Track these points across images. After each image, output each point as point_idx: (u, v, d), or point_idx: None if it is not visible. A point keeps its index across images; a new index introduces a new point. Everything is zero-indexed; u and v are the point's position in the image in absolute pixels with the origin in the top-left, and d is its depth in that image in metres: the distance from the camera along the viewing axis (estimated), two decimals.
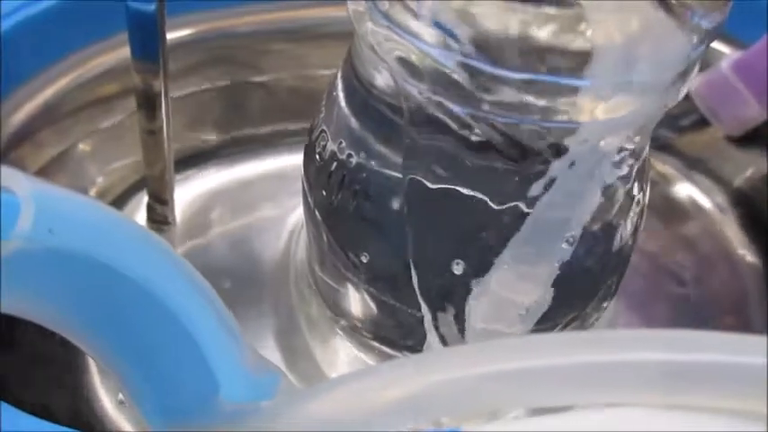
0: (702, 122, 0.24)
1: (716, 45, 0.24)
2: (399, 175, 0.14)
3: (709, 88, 0.23)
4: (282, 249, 0.21)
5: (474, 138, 0.12)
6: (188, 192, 0.22)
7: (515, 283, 0.16)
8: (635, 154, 0.14)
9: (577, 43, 0.12)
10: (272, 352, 0.20)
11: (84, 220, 0.10)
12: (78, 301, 0.11)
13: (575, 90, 0.12)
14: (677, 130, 0.24)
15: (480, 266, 0.14)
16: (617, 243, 0.16)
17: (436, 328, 0.14)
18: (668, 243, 0.24)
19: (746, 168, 0.24)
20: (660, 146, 0.25)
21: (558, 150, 0.13)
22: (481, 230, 0.14)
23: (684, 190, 0.25)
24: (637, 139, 0.14)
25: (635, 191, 0.15)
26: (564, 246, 0.14)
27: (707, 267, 0.23)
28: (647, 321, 0.22)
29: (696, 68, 0.13)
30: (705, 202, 0.24)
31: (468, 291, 0.15)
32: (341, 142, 0.14)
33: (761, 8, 0.23)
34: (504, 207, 0.14)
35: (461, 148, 0.13)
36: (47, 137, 0.19)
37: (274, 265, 0.21)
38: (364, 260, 0.14)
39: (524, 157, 0.13)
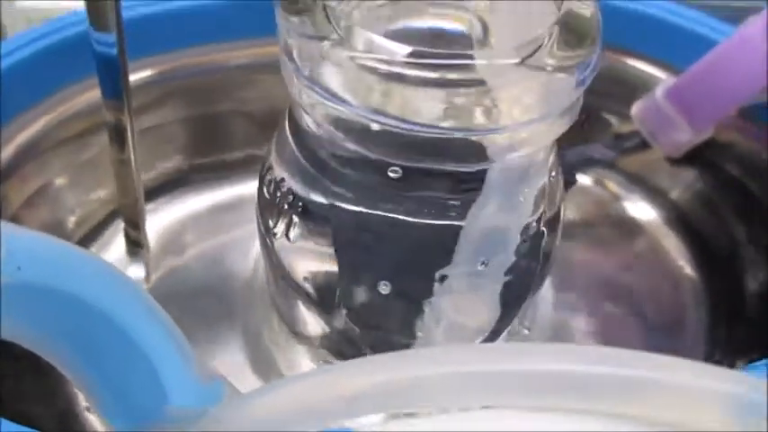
0: (645, 143, 0.25)
1: (655, 72, 0.26)
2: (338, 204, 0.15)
3: (646, 114, 0.24)
4: (251, 268, 0.23)
5: (394, 174, 0.14)
6: (163, 217, 0.24)
7: (465, 300, 0.18)
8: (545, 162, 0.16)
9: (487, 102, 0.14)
10: (241, 362, 0.21)
11: (49, 256, 0.12)
12: (47, 326, 0.13)
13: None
14: (622, 151, 0.26)
15: (410, 286, 0.16)
16: (545, 246, 0.17)
17: (371, 346, 0.16)
18: (612, 256, 0.25)
19: (685, 186, 0.26)
20: (607, 165, 0.27)
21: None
22: (408, 251, 0.15)
23: (630, 206, 0.26)
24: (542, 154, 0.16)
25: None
26: (509, 255, 0.16)
27: (648, 279, 0.25)
28: (589, 333, 0.23)
29: (579, 103, 0.15)
30: (647, 217, 0.26)
31: (404, 309, 0.16)
32: (282, 178, 0.16)
33: (695, 37, 0.24)
34: (432, 228, 0.16)
35: (384, 183, 0.14)
36: (30, 171, 0.21)
37: (243, 283, 0.23)
38: (307, 283, 0.16)
39: (449, 186, 0.15)
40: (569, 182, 0.27)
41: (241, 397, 0.14)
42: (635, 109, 0.25)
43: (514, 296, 0.16)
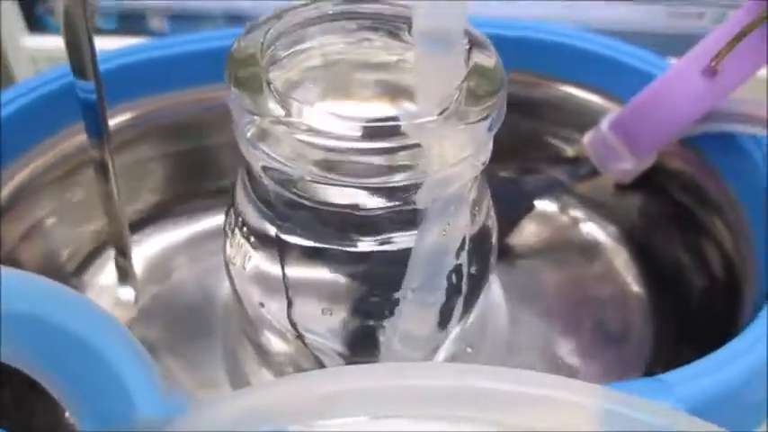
0: (597, 170, 0.26)
1: (604, 103, 0.28)
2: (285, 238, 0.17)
3: (594, 144, 0.25)
4: (227, 292, 0.25)
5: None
6: (150, 245, 0.26)
7: (415, 319, 0.19)
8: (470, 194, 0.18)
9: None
10: (219, 376, 0.23)
11: (35, 292, 0.14)
12: (33, 348, 0.15)
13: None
14: (577, 178, 0.27)
15: (361, 310, 0.18)
16: (477, 269, 0.19)
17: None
18: (568, 277, 0.27)
19: (634, 210, 0.27)
20: (563, 191, 0.29)
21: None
22: (357, 279, 0.17)
23: (585, 229, 0.28)
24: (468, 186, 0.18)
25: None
26: (443, 278, 0.18)
27: (600, 297, 0.26)
28: (541, 349, 0.24)
29: (490, 143, 0.17)
30: (602, 238, 0.27)
31: (357, 332, 0.18)
32: (240, 210, 0.18)
33: (637, 72, 0.25)
34: (379, 256, 0.17)
35: (330, 223, 0.16)
36: (24, 210, 0.23)
37: (221, 305, 0.24)
38: (262, 309, 0.18)
39: (392, 221, 0.17)
40: (528, 208, 0.28)
41: (202, 405, 0.16)
42: (585, 139, 0.26)
43: (446, 316, 0.18)
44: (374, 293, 0.18)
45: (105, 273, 0.25)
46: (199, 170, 0.26)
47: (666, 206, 0.26)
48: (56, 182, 0.24)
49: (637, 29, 0.34)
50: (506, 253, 0.27)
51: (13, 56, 0.35)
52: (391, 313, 0.18)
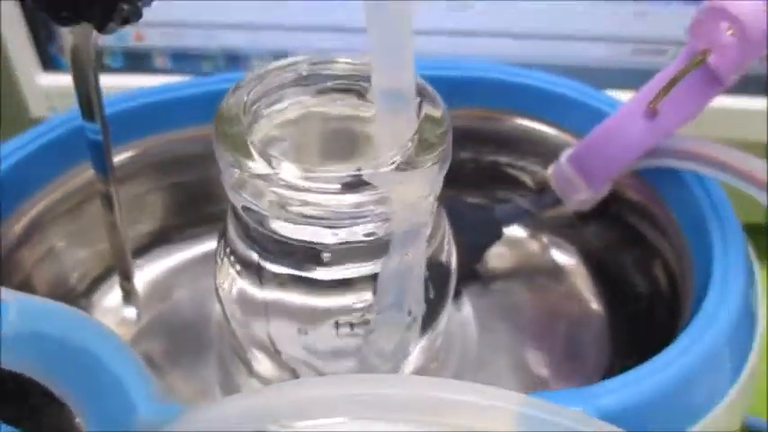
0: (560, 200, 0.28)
1: (566, 138, 0.30)
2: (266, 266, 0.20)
3: (555, 176, 0.27)
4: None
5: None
6: (152, 269, 0.29)
7: (386, 337, 0.22)
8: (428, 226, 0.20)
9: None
10: (214, 388, 0.25)
11: (48, 312, 0.17)
12: (48, 360, 0.17)
13: None
14: (542, 207, 0.29)
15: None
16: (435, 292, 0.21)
17: None
18: (534, 296, 0.29)
19: (594, 236, 0.30)
20: (530, 220, 0.30)
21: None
22: (322, 300, 0.20)
23: (552, 253, 0.30)
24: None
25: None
26: (404, 301, 0.20)
27: (563, 315, 0.28)
28: (512, 364, 0.27)
29: (440, 185, 0.19)
30: (566, 262, 0.30)
31: (334, 351, 0.21)
32: (228, 237, 0.20)
33: (588, 107, 0.28)
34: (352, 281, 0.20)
35: (298, 252, 0.19)
36: (37, 239, 0.25)
37: (216, 324, 0.27)
38: (244, 329, 0.21)
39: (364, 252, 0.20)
40: (498, 234, 0.31)
41: (194, 409, 0.18)
42: (549, 171, 0.29)
43: (408, 335, 0.21)
44: (343, 314, 0.20)
45: (111, 294, 0.28)
46: (195, 200, 0.29)
47: (621, 231, 0.29)
48: (67, 213, 0.26)
49: (603, 65, 0.37)
50: (478, 276, 0.30)
51: (28, 92, 0.38)
52: (362, 332, 0.21)
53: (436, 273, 0.21)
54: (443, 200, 0.21)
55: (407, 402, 0.15)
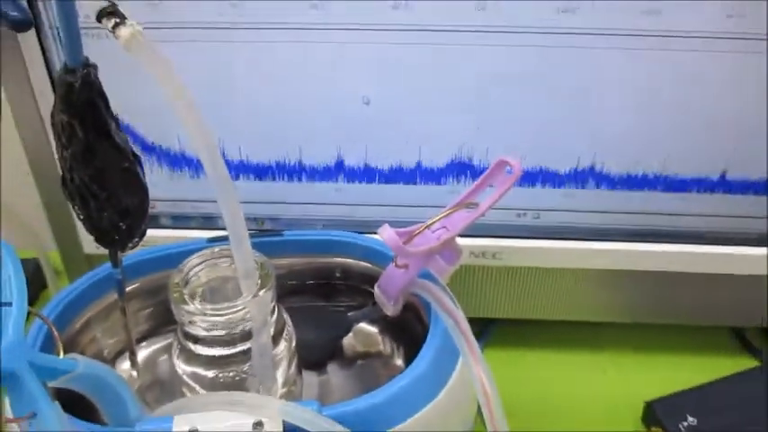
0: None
1: (375, 268, 0.51)
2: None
3: (376, 296, 0.46)
4: None
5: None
6: (146, 350, 0.49)
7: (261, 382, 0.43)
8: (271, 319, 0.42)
9: None
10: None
11: (95, 366, 0.38)
12: (93, 388, 0.38)
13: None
14: (376, 312, 0.46)
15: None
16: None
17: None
18: (367, 360, 0.50)
19: (401, 324, 0.48)
20: (371, 319, 0.51)
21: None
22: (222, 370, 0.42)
23: (382, 338, 0.51)
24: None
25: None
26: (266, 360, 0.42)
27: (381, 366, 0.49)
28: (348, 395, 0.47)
29: (275, 298, 0.41)
30: (387, 342, 0.51)
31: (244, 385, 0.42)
32: (177, 339, 0.42)
33: (384, 253, 0.51)
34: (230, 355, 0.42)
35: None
36: (87, 332, 0.45)
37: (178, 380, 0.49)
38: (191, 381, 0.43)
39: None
40: (348, 329, 0.51)
41: (154, 413, 0.39)
42: (375, 291, 0.50)
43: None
44: (235, 372, 0.42)
45: (125, 362, 0.47)
46: (168, 312, 0.42)
47: (411, 321, 0.47)
48: (102, 318, 0.45)
49: None
50: (340, 354, 0.51)
51: (83, 235, 0.59)
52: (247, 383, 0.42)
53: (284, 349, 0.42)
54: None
55: (232, 402, 0.36)
